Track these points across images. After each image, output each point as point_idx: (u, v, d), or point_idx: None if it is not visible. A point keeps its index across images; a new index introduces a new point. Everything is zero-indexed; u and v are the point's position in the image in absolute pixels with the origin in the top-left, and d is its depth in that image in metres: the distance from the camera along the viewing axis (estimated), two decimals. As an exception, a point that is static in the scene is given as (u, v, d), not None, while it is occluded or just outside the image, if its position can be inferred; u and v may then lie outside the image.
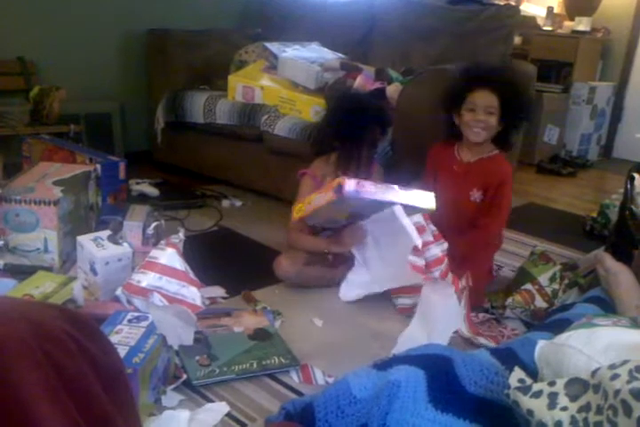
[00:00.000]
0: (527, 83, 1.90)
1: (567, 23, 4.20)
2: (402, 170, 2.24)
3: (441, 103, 1.91)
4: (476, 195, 1.88)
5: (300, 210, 1.73)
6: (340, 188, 1.54)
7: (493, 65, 1.90)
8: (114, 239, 1.58)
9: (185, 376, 1.40)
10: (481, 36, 2.91)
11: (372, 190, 1.58)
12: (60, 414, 0.51)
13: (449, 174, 1.92)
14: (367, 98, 2.08)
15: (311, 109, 2.52)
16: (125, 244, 1.59)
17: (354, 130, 1.91)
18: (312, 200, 1.68)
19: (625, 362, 0.85)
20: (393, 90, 2.55)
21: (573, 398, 0.87)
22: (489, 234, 1.93)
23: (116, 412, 0.57)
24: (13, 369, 0.50)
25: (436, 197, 1.85)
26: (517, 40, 4.00)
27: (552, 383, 0.89)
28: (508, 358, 1.17)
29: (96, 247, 1.55)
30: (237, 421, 1.29)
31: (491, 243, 1.97)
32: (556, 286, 1.83)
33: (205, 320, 1.61)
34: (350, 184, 1.54)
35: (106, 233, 1.61)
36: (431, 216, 1.89)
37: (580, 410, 0.84)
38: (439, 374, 1.05)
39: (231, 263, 2.05)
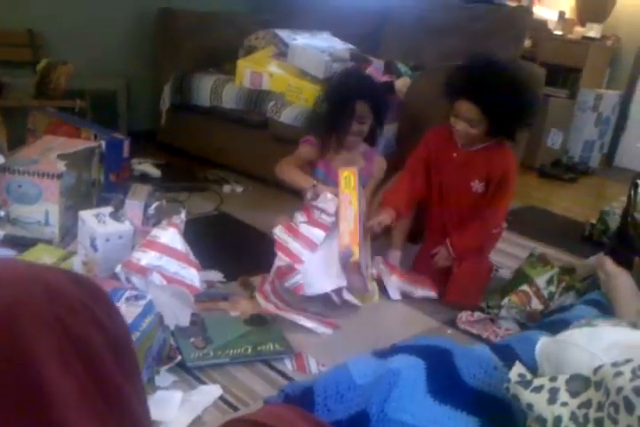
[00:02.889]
0: (528, 85, 1.71)
1: (578, 29, 4.20)
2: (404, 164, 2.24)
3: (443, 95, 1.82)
4: (477, 186, 1.84)
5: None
6: None
7: (482, 65, 1.65)
8: (116, 216, 1.57)
9: (179, 357, 1.39)
10: (492, 36, 2.90)
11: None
12: (68, 377, 0.51)
13: (448, 162, 1.85)
14: (353, 73, 2.09)
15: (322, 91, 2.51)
16: (127, 221, 1.58)
17: (338, 103, 1.92)
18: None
19: (628, 361, 0.85)
20: (402, 84, 2.55)
21: (574, 395, 0.87)
22: (493, 226, 1.93)
23: (124, 380, 0.57)
24: (26, 333, 0.50)
25: (434, 187, 1.88)
26: (527, 42, 4.00)
27: (553, 379, 0.89)
28: (507, 353, 1.17)
29: (98, 223, 1.53)
30: (230, 404, 1.29)
31: (495, 234, 1.97)
32: (552, 288, 1.83)
33: (202, 304, 1.60)
34: None
35: (108, 210, 1.60)
36: (430, 208, 1.92)
37: (580, 406, 0.85)
38: (439, 365, 1.05)
39: (230, 248, 2.05)
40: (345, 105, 1.90)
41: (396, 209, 1.84)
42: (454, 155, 1.85)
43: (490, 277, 1.98)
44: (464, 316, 1.82)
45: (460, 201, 1.88)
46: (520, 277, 1.88)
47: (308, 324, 1.63)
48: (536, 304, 1.80)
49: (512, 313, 1.82)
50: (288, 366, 1.46)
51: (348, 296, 1.71)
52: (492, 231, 1.95)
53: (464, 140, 1.81)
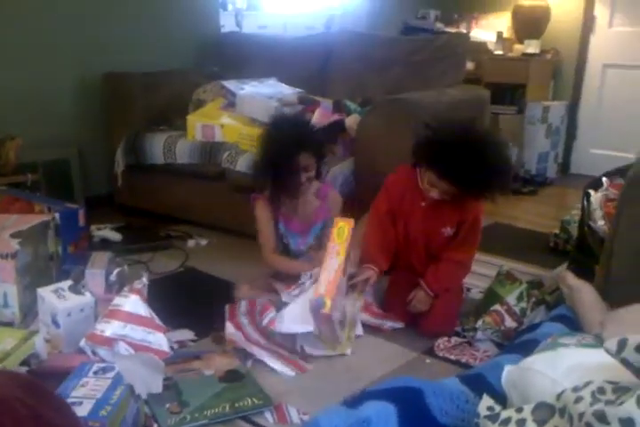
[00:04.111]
0: (499, 155, 1.64)
1: (517, 46, 4.34)
2: (363, 199, 2.26)
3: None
4: (448, 231, 1.86)
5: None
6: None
7: (450, 146, 1.60)
8: (75, 289, 1.55)
9: (155, 426, 1.36)
10: (434, 65, 2.99)
11: None
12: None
13: (415, 211, 1.84)
14: (289, 122, 1.99)
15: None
16: (87, 293, 1.56)
17: (278, 159, 1.88)
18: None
19: (588, 384, 0.85)
20: (352, 121, 2.60)
21: (541, 424, 0.87)
22: (466, 268, 1.95)
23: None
24: None
25: (404, 231, 1.89)
26: (470, 65, 4.12)
27: (519, 410, 0.89)
28: (478, 383, 1.17)
29: (57, 299, 1.52)
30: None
31: (467, 273, 2.00)
32: (523, 304, 1.84)
33: (174, 365, 1.58)
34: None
35: (67, 283, 1.58)
36: (399, 250, 1.93)
37: (547, 435, 0.85)
38: (410, 406, 1.04)
39: (199, 304, 2.02)
40: (288, 162, 1.87)
41: (378, 266, 1.85)
42: (422, 204, 1.83)
43: (463, 300, 2.00)
44: (441, 343, 1.82)
45: (430, 245, 1.90)
46: (491, 296, 1.89)
47: (273, 364, 1.62)
48: (510, 322, 1.81)
49: (488, 334, 1.83)
50: (269, 419, 1.44)
51: (310, 351, 1.71)
52: (467, 272, 1.98)
53: (435, 199, 1.79)
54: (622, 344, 0.82)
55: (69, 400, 1.22)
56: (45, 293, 1.54)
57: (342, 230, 1.79)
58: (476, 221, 1.86)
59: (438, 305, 1.87)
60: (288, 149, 1.87)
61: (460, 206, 1.81)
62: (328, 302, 1.68)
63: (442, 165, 1.63)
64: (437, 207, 1.82)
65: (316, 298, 1.69)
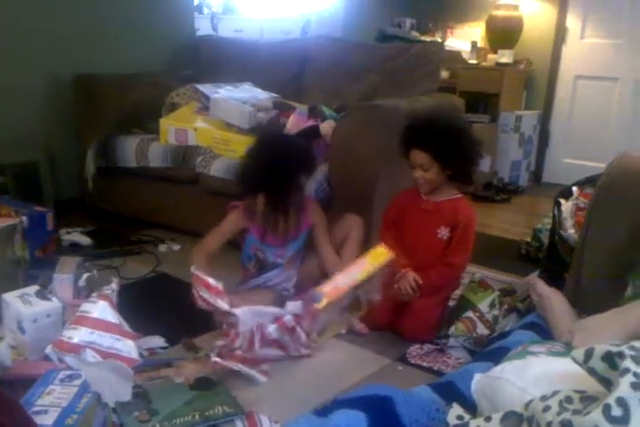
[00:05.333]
0: (466, 130, 1.94)
1: (491, 56, 4.40)
2: (339, 205, 2.26)
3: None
4: (443, 232, 1.93)
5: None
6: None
7: (424, 121, 1.89)
8: (42, 295, 1.52)
9: (123, 435, 1.34)
10: (409, 72, 3.01)
11: None
12: None
13: (417, 213, 1.98)
14: (292, 145, 2.00)
15: (246, 149, 2.52)
16: (54, 299, 1.53)
17: (280, 182, 1.89)
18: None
19: (555, 393, 0.86)
20: (327, 127, 2.59)
21: (510, 433, 0.87)
22: (459, 271, 2.00)
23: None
24: None
25: (405, 235, 1.97)
26: (445, 74, 4.17)
27: (488, 419, 0.89)
28: (449, 392, 1.17)
29: (23, 304, 1.48)
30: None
31: (459, 278, 2.03)
32: (496, 312, 1.86)
33: (144, 373, 1.55)
34: None
35: (33, 289, 1.55)
36: (400, 253, 1.95)
37: (516, 444, 0.85)
38: (380, 415, 1.04)
39: (170, 310, 1.99)
40: (287, 183, 1.91)
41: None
42: (422, 206, 1.97)
43: (446, 308, 2.00)
44: (414, 350, 1.83)
45: (426, 247, 1.96)
46: (463, 303, 1.91)
47: (246, 371, 1.61)
48: (482, 329, 1.82)
49: (460, 341, 1.84)
50: (239, 427, 1.42)
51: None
52: (459, 276, 2.03)
53: (426, 188, 1.93)
54: (589, 354, 0.83)
55: (34, 409, 1.19)
56: (10, 298, 1.50)
57: (380, 256, 1.81)
58: (469, 225, 1.92)
59: (420, 311, 1.88)
60: (291, 172, 1.90)
61: (455, 208, 1.93)
62: (324, 302, 1.71)
63: (420, 137, 1.86)
64: (435, 209, 1.95)
65: (316, 292, 1.71)
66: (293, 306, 1.75)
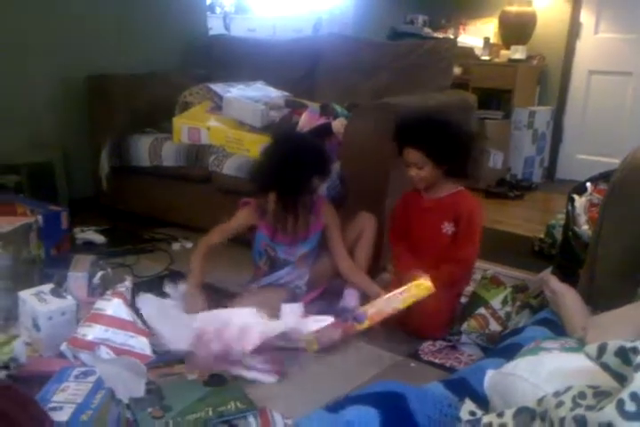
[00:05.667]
0: (457, 124, 1.95)
1: (504, 52, 4.37)
2: (352, 202, 2.26)
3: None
4: (447, 227, 1.93)
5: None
6: None
7: (415, 119, 1.91)
8: (57, 293, 1.53)
9: (137, 430, 1.35)
10: (421, 69, 2.99)
11: None
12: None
13: (420, 212, 1.99)
14: (307, 146, 1.98)
15: (259, 148, 2.53)
16: (69, 296, 1.54)
17: (292, 182, 1.90)
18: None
19: (568, 389, 0.85)
20: (339, 125, 2.59)
21: (522, 428, 0.87)
22: (468, 265, 1.99)
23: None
24: None
25: (411, 236, 1.99)
26: (458, 70, 4.14)
27: (501, 414, 0.89)
28: (461, 388, 1.17)
29: (38, 302, 1.50)
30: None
31: (469, 272, 2.03)
32: (508, 308, 1.85)
33: (158, 369, 1.56)
34: None
35: (48, 287, 1.56)
36: (410, 251, 2.00)
37: (528, 440, 0.85)
38: (393, 411, 1.04)
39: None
40: (301, 185, 1.91)
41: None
42: (424, 205, 1.99)
43: (458, 306, 2.00)
44: (426, 347, 1.83)
45: (433, 244, 1.97)
46: (475, 300, 1.90)
47: (248, 374, 1.61)
48: (494, 326, 1.82)
49: (472, 338, 1.84)
50: (252, 423, 1.42)
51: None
52: (470, 270, 2.03)
53: (423, 185, 1.95)
54: (602, 349, 0.82)
55: (50, 405, 1.20)
56: (26, 296, 1.52)
57: (423, 289, 1.80)
58: (472, 216, 1.92)
59: (432, 308, 1.87)
60: (304, 173, 1.89)
61: (455, 202, 1.94)
62: (366, 324, 1.75)
63: (411, 135, 1.89)
64: (437, 205, 1.96)
65: (360, 313, 1.76)
66: (289, 308, 1.76)
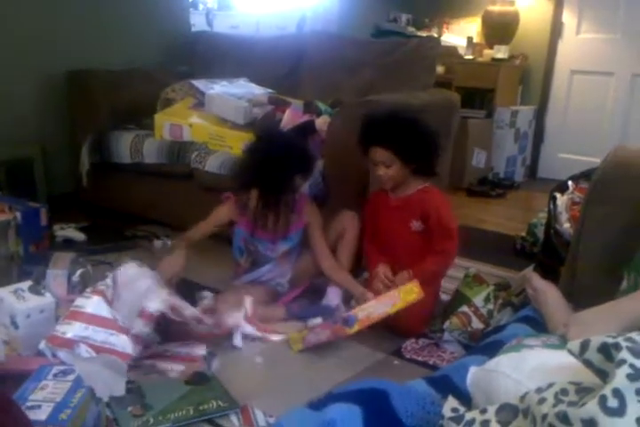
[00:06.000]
0: (422, 122, 1.92)
1: (487, 51, 4.40)
2: (334, 200, 2.25)
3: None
4: (415, 225, 1.94)
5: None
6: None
7: (381, 118, 1.89)
8: (35, 290, 1.51)
9: (117, 429, 1.33)
10: (405, 68, 2.99)
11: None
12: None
13: (388, 211, 2.00)
14: (290, 144, 1.98)
15: (241, 145, 2.51)
16: (48, 294, 1.52)
17: (274, 180, 1.89)
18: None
19: (551, 385, 0.86)
20: (322, 122, 2.58)
21: (505, 425, 0.87)
22: (451, 257, 1.99)
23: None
24: None
25: (381, 235, 2.00)
26: (441, 69, 4.16)
27: (483, 411, 0.89)
28: (444, 385, 1.17)
29: (16, 300, 1.47)
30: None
31: (451, 264, 2.03)
32: (490, 306, 1.86)
33: (139, 368, 1.55)
34: None
35: (27, 284, 1.54)
36: (381, 250, 2.01)
37: (511, 436, 0.85)
38: (375, 408, 1.04)
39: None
40: (283, 184, 1.91)
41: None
42: (391, 204, 1.99)
43: (437, 301, 2.02)
44: (409, 344, 1.84)
45: (402, 242, 1.98)
46: (458, 298, 1.91)
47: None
48: (477, 323, 1.82)
49: (455, 335, 1.84)
50: (234, 422, 1.42)
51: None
52: (451, 263, 2.02)
53: (390, 184, 1.95)
54: (585, 346, 0.83)
55: (27, 404, 1.19)
56: (4, 293, 1.50)
57: (412, 294, 1.79)
58: (439, 212, 1.91)
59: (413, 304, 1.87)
60: (287, 171, 1.89)
61: (421, 199, 1.94)
62: (356, 328, 1.72)
63: (377, 134, 1.88)
64: (405, 204, 1.96)
65: (350, 316, 1.73)
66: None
